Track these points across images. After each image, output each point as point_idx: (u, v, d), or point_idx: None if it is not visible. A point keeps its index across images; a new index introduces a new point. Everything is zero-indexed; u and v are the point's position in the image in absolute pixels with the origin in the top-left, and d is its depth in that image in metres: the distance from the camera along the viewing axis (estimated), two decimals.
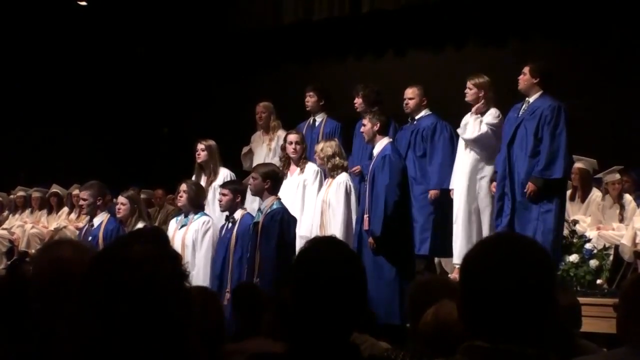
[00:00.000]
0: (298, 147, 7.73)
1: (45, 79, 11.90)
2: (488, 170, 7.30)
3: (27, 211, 11.14)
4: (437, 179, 7.63)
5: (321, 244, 2.09)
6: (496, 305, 1.76)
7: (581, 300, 3.98)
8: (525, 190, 6.75)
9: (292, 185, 7.67)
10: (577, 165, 8.16)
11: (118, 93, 12.30)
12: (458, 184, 7.45)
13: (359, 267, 2.07)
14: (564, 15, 9.49)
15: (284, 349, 2.03)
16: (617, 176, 7.91)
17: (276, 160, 8.06)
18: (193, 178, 7.86)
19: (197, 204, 7.26)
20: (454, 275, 7.05)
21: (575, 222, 7.64)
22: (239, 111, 9.06)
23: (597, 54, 9.33)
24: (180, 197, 7.26)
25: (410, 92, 7.93)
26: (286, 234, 6.50)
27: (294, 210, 7.05)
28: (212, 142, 8.03)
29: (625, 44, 9.09)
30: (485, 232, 7.19)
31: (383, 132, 7.10)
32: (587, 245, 7.22)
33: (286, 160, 7.84)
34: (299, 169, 7.76)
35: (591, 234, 7.54)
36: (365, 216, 6.94)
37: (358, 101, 8.16)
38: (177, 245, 6.91)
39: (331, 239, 2.17)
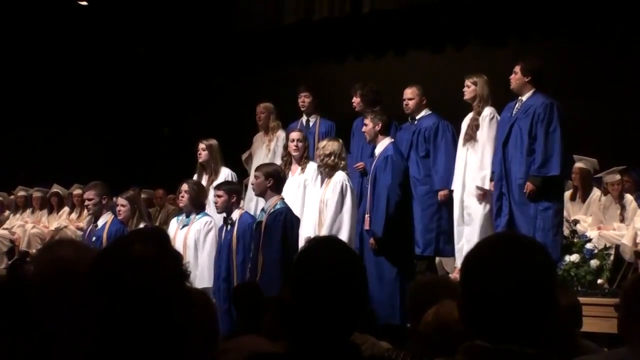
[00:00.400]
0: (300, 144, 7.71)
1: (46, 79, 11.91)
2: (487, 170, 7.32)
3: (28, 211, 11.15)
4: (444, 179, 7.62)
5: (321, 244, 2.09)
6: (497, 305, 1.76)
7: (582, 300, 3.97)
8: (524, 191, 6.75)
9: (293, 184, 7.66)
10: (578, 165, 8.16)
11: (119, 93, 12.31)
12: (458, 185, 7.46)
13: (359, 267, 2.07)
14: (564, 15, 9.49)
15: (284, 349, 2.03)
16: (617, 177, 7.90)
17: (276, 161, 8.06)
18: (194, 177, 7.86)
19: (198, 204, 7.25)
20: (455, 275, 7.05)
21: (576, 222, 7.63)
22: (240, 111, 9.07)
23: (597, 53, 9.33)
24: (182, 197, 7.25)
25: (410, 92, 7.92)
26: (289, 233, 6.48)
27: (295, 210, 7.03)
28: (213, 142, 8.03)
29: (626, 43, 9.08)
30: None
31: (385, 132, 7.10)
32: (588, 245, 7.21)
33: (288, 160, 7.84)
34: (300, 168, 7.75)
35: (592, 233, 7.53)
36: (367, 216, 6.93)
37: (356, 100, 8.15)
38: (178, 245, 6.91)
39: (331, 239, 2.17)
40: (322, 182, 7.59)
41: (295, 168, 7.78)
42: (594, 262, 7.09)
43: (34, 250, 9.91)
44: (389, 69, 10.69)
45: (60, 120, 12.02)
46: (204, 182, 7.80)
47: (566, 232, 7.32)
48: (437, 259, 7.99)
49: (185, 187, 7.25)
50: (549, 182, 6.73)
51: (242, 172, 8.69)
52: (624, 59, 9.08)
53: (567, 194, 8.21)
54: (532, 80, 6.91)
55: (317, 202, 7.40)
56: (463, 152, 7.46)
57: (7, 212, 11.28)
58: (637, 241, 7.42)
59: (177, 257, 1.65)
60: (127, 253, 1.59)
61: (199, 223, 7.16)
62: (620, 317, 2.59)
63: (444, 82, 9.00)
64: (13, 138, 11.68)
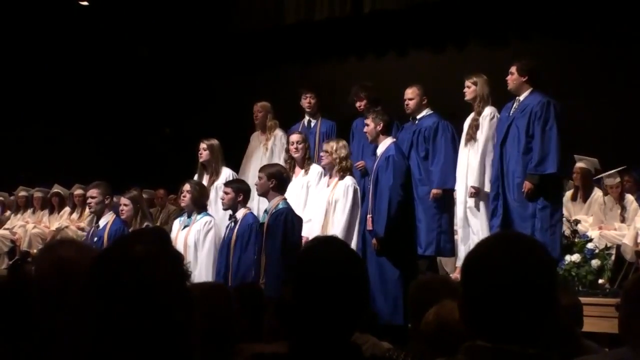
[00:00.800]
0: (300, 146, 7.74)
1: (47, 79, 11.91)
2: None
3: (29, 211, 11.15)
4: (440, 178, 7.63)
5: (322, 244, 2.09)
6: (497, 305, 1.76)
7: (583, 300, 3.97)
8: (523, 190, 6.75)
9: (297, 186, 7.68)
10: (579, 164, 8.16)
11: (120, 93, 12.31)
12: (460, 186, 7.47)
13: (360, 267, 2.07)
14: (565, 15, 9.49)
15: (285, 349, 2.03)
16: (616, 180, 7.89)
17: (274, 160, 8.07)
18: (195, 177, 7.86)
19: (200, 204, 7.26)
20: (455, 275, 7.06)
21: (577, 221, 7.63)
22: (241, 111, 9.06)
23: (598, 53, 9.32)
24: (184, 196, 7.26)
25: (410, 93, 7.92)
26: (290, 234, 6.47)
27: (298, 211, 7.04)
28: (214, 142, 8.03)
29: (626, 43, 9.08)
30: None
31: (386, 131, 7.08)
32: (589, 245, 7.22)
33: (291, 162, 7.85)
34: (303, 170, 7.77)
35: (593, 233, 7.53)
36: (369, 217, 6.93)
37: (362, 103, 8.15)
38: (179, 245, 6.93)
39: (332, 239, 2.16)
40: (329, 184, 7.56)
41: (298, 170, 7.81)
42: (595, 262, 7.09)
43: (35, 251, 9.91)
44: (390, 69, 10.69)
45: (61, 121, 12.02)
46: (204, 182, 7.80)
47: (567, 232, 7.32)
48: (438, 259, 8.00)
49: (187, 186, 7.25)
50: (546, 180, 6.73)
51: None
52: (625, 59, 9.07)
53: (568, 193, 8.21)
54: (529, 80, 6.93)
55: (323, 203, 7.40)
56: (465, 153, 7.47)
57: (8, 212, 11.29)
58: (638, 241, 7.42)
59: (177, 257, 1.65)
60: (128, 253, 1.59)
61: (199, 223, 7.17)
62: (621, 317, 2.59)
63: (445, 82, 9.00)
64: (14, 138, 11.68)
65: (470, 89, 7.41)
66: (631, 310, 2.53)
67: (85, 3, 12.29)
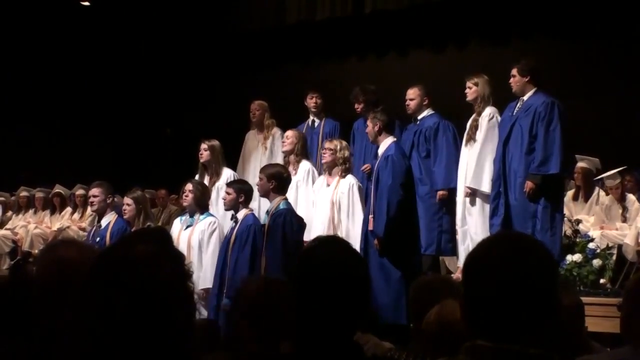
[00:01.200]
0: (287, 140, 7.82)
1: (48, 79, 11.91)
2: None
3: (31, 211, 11.15)
4: (443, 179, 7.63)
5: (324, 244, 2.10)
6: (499, 305, 1.75)
7: (584, 299, 3.96)
8: (524, 190, 6.75)
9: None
10: (580, 164, 8.15)
11: (121, 93, 12.32)
12: (460, 185, 7.46)
13: (362, 267, 2.07)
14: (566, 14, 9.49)
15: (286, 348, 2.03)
16: (616, 181, 7.88)
17: (273, 160, 8.06)
18: (196, 178, 7.85)
19: (202, 204, 7.24)
20: (457, 274, 7.05)
21: (579, 221, 7.63)
22: (242, 112, 9.06)
23: (599, 53, 9.33)
24: (186, 196, 7.23)
25: (411, 93, 7.93)
26: (289, 234, 6.45)
27: None
28: (215, 142, 8.02)
29: (628, 42, 9.08)
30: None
31: (387, 131, 7.07)
32: (590, 245, 7.21)
33: (287, 160, 7.85)
34: (293, 169, 7.73)
35: (594, 233, 7.52)
36: (370, 217, 6.93)
37: (360, 106, 8.15)
38: (182, 245, 6.90)
39: (334, 238, 2.17)
40: (329, 183, 7.54)
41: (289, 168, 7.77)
42: (596, 262, 7.09)
43: (36, 251, 9.91)
44: (391, 68, 10.70)
45: (63, 121, 12.03)
46: (205, 182, 7.79)
47: (568, 231, 7.32)
48: (440, 259, 8.00)
49: (189, 186, 7.24)
50: (548, 180, 6.73)
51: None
52: (626, 58, 9.07)
53: (570, 193, 8.20)
54: (531, 80, 6.93)
55: (327, 204, 7.40)
56: (465, 153, 7.48)
57: (9, 213, 11.28)
58: None
59: (178, 258, 1.65)
60: (129, 253, 1.59)
61: (203, 224, 7.15)
62: (623, 316, 2.59)
63: (446, 82, 9.00)
64: (15, 138, 11.69)
65: (471, 90, 7.42)
66: (632, 310, 2.53)
67: (86, 3, 12.30)
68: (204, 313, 6.73)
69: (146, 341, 1.53)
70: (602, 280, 7.06)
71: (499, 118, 7.28)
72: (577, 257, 7.09)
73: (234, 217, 6.90)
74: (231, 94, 11.37)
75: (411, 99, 7.91)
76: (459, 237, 7.58)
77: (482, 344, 1.76)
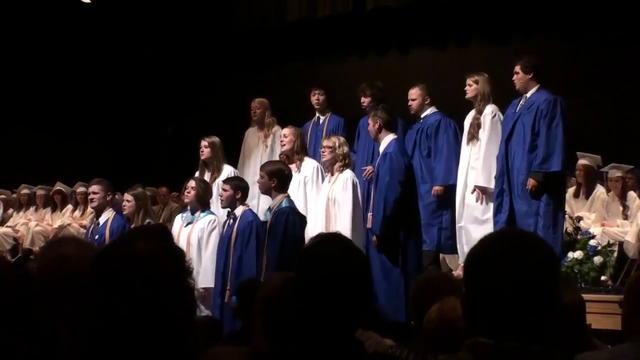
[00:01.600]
0: (286, 139, 7.76)
1: (49, 78, 11.91)
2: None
3: (32, 209, 11.15)
4: (443, 175, 7.64)
5: (325, 241, 2.09)
6: (500, 302, 1.75)
7: (585, 296, 3.96)
8: (527, 187, 6.75)
9: (292, 184, 7.63)
10: (582, 161, 8.14)
11: (122, 92, 12.32)
12: (460, 183, 7.46)
13: (363, 264, 2.07)
14: (567, 12, 9.47)
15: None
16: (618, 173, 7.87)
17: (274, 157, 8.05)
18: (196, 175, 7.85)
19: (204, 202, 7.24)
20: (458, 272, 7.05)
21: (580, 218, 7.63)
22: (243, 110, 9.06)
23: (601, 50, 9.31)
24: (188, 193, 7.22)
25: (413, 93, 7.96)
26: (290, 232, 6.43)
27: (298, 208, 7.01)
28: (215, 139, 8.01)
29: (630, 41, 9.06)
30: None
31: (386, 129, 7.06)
32: (592, 242, 7.21)
33: (284, 158, 7.85)
34: (295, 166, 7.71)
35: (595, 230, 7.52)
36: (369, 214, 6.93)
37: (366, 100, 8.13)
38: (182, 243, 6.89)
39: (335, 236, 2.16)
40: (323, 178, 7.55)
41: (292, 166, 7.74)
42: (597, 259, 7.09)
43: (37, 248, 9.92)
44: (392, 66, 10.68)
45: (64, 120, 12.03)
46: (206, 179, 7.79)
47: (570, 228, 7.32)
48: (441, 256, 8.00)
49: (192, 183, 7.23)
50: (550, 178, 6.73)
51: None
52: (628, 56, 9.06)
53: (571, 190, 8.20)
54: (534, 76, 6.93)
55: (323, 199, 7.39)
56: (467, 151, 7.47)
57: (10, 210, 11.29)
58: None
59: (179, 254, 1.65)
60: (129, 250, 1.59)
61: (203, 221, 7.14)
62: (624, 313, 2.59)
63: (447, 80, 8.99)
64: (16, 136, 11.69)
65: (471, 87, 7.42)
66: (633, 307, 2.53)
67: (87, 1, 12.29)
68: (204, 312, 6.73)
69: (147, 338, 1.53)
70: (603, 278, 7.06)
71: (501, 116, 7.28)
72: (578, 254, 7.08)
73: (231, 214, 6.87)
74: (232, 92, 11.36)
75: (413, 99, 7.93)
76: (458, 234, 7.58)
77: (484, 341, 1.76)
